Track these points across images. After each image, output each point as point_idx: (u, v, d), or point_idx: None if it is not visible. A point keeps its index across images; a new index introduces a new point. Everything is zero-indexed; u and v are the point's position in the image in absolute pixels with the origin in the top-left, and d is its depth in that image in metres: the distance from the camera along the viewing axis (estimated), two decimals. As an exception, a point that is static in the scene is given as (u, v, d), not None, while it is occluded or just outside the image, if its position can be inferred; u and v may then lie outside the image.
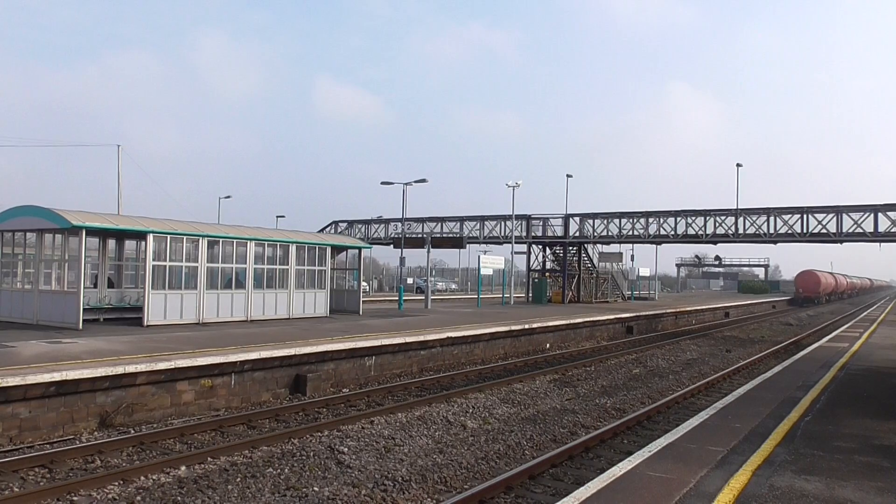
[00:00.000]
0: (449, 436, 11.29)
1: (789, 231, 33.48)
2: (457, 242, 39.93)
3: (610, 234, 38.66)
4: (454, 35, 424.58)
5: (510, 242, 40.00)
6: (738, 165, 39.03)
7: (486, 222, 41.68)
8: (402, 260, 35.72)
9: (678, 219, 36.41)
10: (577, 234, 39.58)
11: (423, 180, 34.56)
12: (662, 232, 37.08)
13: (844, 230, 31.83)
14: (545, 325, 24.31)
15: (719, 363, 22.20)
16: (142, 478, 8.61)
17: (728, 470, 7.00)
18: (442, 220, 43.13)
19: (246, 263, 20.55)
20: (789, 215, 33.50)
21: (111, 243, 21.48)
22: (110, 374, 10.99)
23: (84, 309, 17.17)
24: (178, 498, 8.01)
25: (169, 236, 18.65)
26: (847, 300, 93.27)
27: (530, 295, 42.50)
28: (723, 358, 23.72)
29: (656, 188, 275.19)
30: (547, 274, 42.04)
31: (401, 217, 36.76)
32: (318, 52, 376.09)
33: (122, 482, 8.43)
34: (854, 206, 31.79)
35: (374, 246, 45.06)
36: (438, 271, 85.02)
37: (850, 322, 37.33)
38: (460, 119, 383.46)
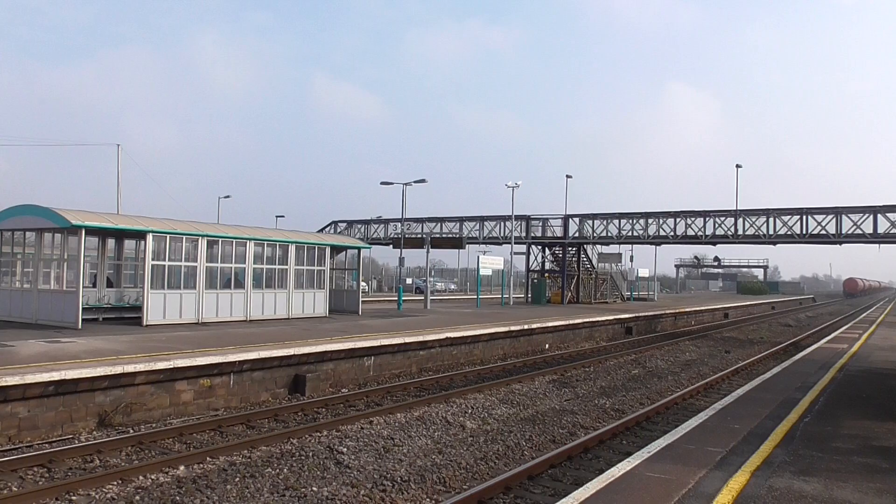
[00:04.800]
0: (448, 436, 11.29)
1: (789, 232, 33.45)
2: (456, 243, 39.91)
3: (609, 234, 38.64)
4: (452, 32, 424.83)
5: (509, 243, 40.00)
6: (738, 166, 39.02)
7: (485, 223, 41.66)
8: (401, 260, 35.72)
9: (677, 220, 36.39)
10: (577, 234, 39.56)
11: (423, 180, 34.54)
12: (662, 233, 37.07)
13: (844, 231, 31.81)
14: (544, 325, 24.31)
15: (718, 364, 22.19)
16: (140, 477, 8.61)
17: (727, 471, 7.01)
18: (441, 220, 43.13)
19: (245, 263, 20.55)
20: (789, 216, 33.47)
21: (110, 243, 21.46)
22: (109, 373, 10.98)
23: (83, 308, 17.15)
24: (177, 497, 8.00)
25: (168, 236, 18.64)
26: (868, 296, 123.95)
27: (529, 295, 42.48)
28: (722, 359, 23.72)
29: (656, 188, 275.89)
30: (546, 274, 42.03)
31: (400, 217, 36.73)
32: (317, 50, 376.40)
33: (120, 482, 8.43)
34: (853, 208, 31.78)
35: (373, 246, 45.08)
36: (438, 271, 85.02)
37: (849, 323, 37.33)
38: (460, 118, 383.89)
